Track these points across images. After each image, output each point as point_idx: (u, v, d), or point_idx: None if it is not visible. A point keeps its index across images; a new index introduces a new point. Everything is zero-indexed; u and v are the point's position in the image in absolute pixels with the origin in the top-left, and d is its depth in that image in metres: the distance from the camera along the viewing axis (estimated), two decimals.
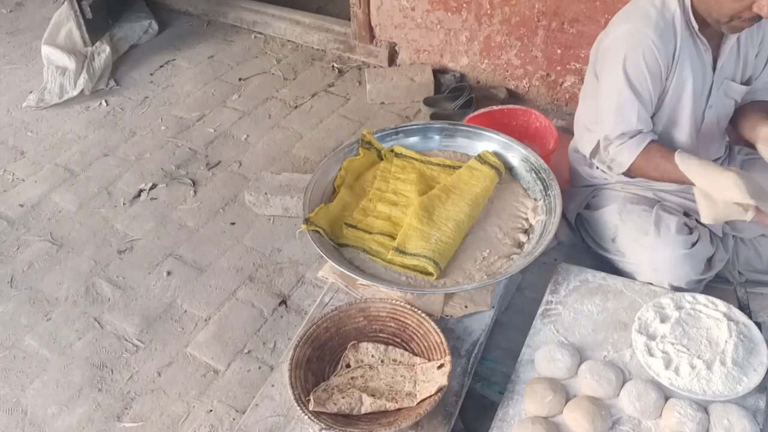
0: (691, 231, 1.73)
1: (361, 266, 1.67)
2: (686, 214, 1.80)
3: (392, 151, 2.03)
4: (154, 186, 2.53)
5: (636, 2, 1.64)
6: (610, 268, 1.81)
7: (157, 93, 3.06)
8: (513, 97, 2.75)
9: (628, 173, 1.72)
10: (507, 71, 2.71)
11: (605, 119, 1.70)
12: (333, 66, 3.14)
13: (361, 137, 2.00)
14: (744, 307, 1.57)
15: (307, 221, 1.67)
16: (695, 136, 1.75)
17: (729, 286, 1.83)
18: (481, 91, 2.76)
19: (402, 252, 1.67)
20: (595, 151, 1.84)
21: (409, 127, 2.04)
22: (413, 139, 2.04)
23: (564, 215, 2.00)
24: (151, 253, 2.26)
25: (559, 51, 2.50)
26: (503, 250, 1.72)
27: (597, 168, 1.91)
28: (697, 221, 1.78)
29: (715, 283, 1.82)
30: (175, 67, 3.24)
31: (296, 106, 2.91)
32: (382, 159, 2.02)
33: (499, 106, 2.39)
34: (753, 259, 1.84)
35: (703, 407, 1.36)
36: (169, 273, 2.19)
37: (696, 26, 1.59)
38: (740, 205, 1.46)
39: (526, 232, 1.78)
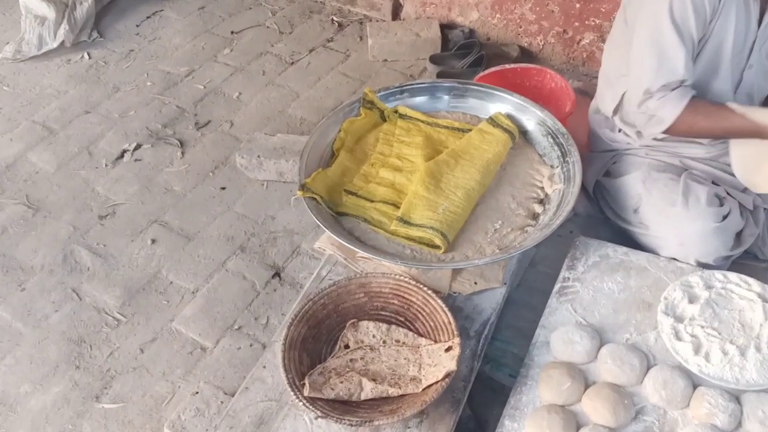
0: (721, 203, 1.61)
1: (362, 237, 1.56)
2: (715, 184, 1.69)
3: (396, 111, 1.90)
4: (138, 146, 2.42)
5: None
6: (630, 241, 1.70)
7: (143, 46, 2.93)
8: (526, 55, 2.61)
9: (668, 131, 1.58)
10: (520, 27, 2.55)
11: (644, 68, 1.54)
12: (332, 19, 3.00)
13: (363, 96, 1.87)
14: None
15: (302, 187, 1.57)
16: (731, 97, 1.62)
17: (759, 263, 1.74)
18: (491, 48, 2.62)
19: (406, 222, 1.56)
20: (617, 109, 1.72)
21: (415, 86, 1.92)
22: (419, 99, 1.90)
23: (584, 184, 1.88)
24: (134, 219, 2.17)
25: (577, 5, 2.35)
26: (517, 221, 1.60)
27: (620, 131, 1.78)
28: (728, 192, 1.67)
29: (744, 260, 1.72)
30: (163, 19, 3.09)
31: (292, 63, 2.79)
32: (385, 120, 1.90)
33: (512, 65, 2.26)
34: None
35: (736, 397, 1.27)
36: (153, 241, 2.10)
37: None
38: None
39: (541, 202, 1.67)
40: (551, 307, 1.50)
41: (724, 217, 1.57)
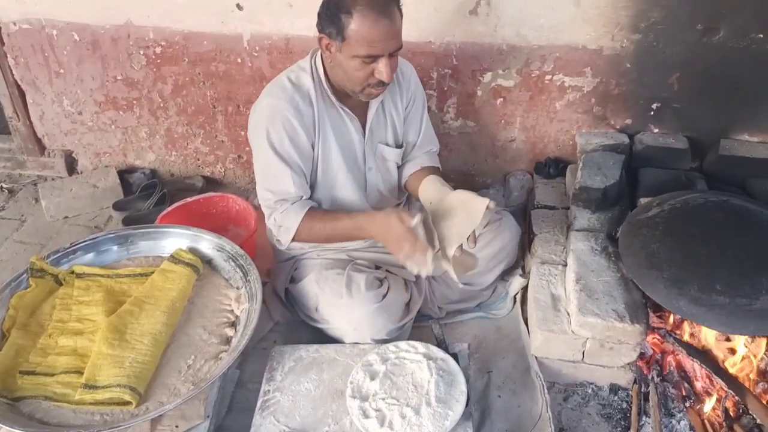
0: (381, 283, 1.80)
1: (45, 418, 1.45)
2: (377, 267, 1.89)
3: (73, 272, 1.83)
4: None
5: (277, 78, 1.72)
6: (325, 337, 1.82)
7: None
8: (212, 183, 2.70)
9: (296, 239, 1.75)
10: (198, 159, 2.66)
11: (263, 189, 1.74)
12: (1, 187, 2.75)
13: (30, 266, 1.77)
14: (441, 342, 1.68)
15: None
16: (364, 196, 1.87)
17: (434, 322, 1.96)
18: (176, 183, 2.66)
19: (92, 387, 1.49)
20: None
21: (85, 242, 1.89)
22: (91, 255, 1.87)
23: (277, 293, 1.99)
24: None
25: (242, 133, 2.54)
26: (210, 351, 1.63)
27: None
28: (389, 270, 1.89)
29: (422, 323, 1.93)
30: None
31: None
32: (61, 284, 1.80)
33: (195, 197, 2.33)
34: (447, 293, 2.00)
35: None
36: None
37: (334, 98, 1.71)
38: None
39: (233, 324, 1.72)
40: (256, 425, 1.52)
41: (384, 296, 1.75)
